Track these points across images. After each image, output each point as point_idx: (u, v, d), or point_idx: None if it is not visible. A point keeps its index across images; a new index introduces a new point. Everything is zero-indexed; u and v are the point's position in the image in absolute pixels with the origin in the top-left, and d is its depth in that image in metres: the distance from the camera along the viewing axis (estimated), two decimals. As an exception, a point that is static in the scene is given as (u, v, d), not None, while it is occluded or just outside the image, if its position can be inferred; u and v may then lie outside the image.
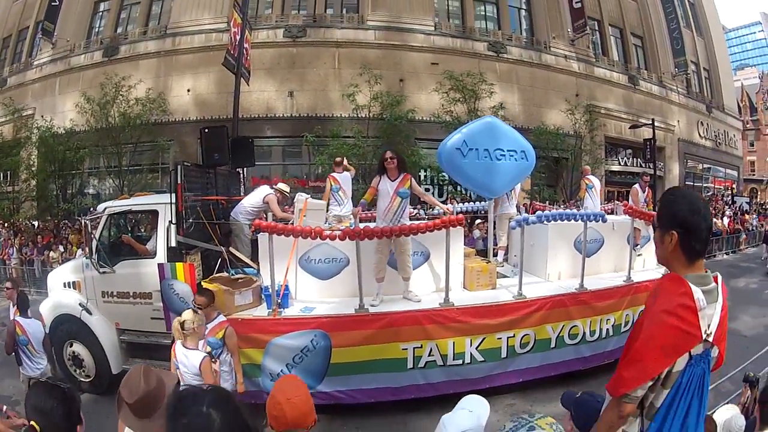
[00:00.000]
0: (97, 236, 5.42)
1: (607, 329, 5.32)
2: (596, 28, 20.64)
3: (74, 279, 5.61)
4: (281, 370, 4.38)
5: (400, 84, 15.71)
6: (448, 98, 15.27)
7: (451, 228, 4.81)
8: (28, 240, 15.36)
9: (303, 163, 15.92)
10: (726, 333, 1.65)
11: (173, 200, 4.95)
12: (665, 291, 1.56)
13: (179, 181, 4.96)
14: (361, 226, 5.03)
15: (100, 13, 18.78)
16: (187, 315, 3.49)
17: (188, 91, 16.09)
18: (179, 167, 5.05)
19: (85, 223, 5.64)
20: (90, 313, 5.33)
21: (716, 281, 1.61)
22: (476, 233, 11.55)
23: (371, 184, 5.03)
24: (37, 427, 1.43)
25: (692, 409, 1.58)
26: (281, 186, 6.24)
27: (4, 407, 3.11)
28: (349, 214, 6.55)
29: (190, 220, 5.22)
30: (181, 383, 3.16)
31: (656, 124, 18.22)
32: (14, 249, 15.10)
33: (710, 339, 1.56)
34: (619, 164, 20.25)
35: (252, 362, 4.43)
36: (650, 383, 1.55)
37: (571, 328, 5.13)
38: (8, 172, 18.21)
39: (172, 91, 16.13)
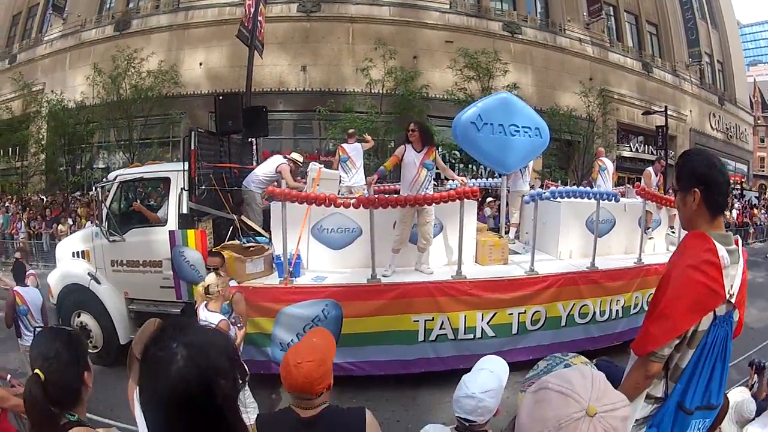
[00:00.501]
0: (107, 204, 5.35)
1: (617, 310, 5.25)
2: (611, 13, 20.52)
3: (83, 248, 5.53)
4: (291, 340, 4.28)
5: (413, 61, 15.62)
6: (462, 76, 15.18)
7: (465, 201, 4.78)
8: (36, 214, 15.32)
9: (314, 138, 15.86)
10: (746, 299, 1.64)
11: (186, 167, 4.84)
12: (691, 247, 1.56)
13: (192, 147, 4.84)
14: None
15: (112, -12, 18.74)
16: (211, 278, 3.48)
17: (200, 64, 16.04)
18: (193, 133, 4.96)
19: (96, 190, 5.58)
20: (99, 283, 5.25)
21: (737, 244, 1.61)
22: (487, 211, 11.41)
23: (395, 152, 4.96)
24: (42, 375, 1.32)
25: (716, 372, 1.58)
26: (294, 156, 6.25)
27: (8, 376, 3.06)
28: (359, 185, 6.54)
29: (203, 187, 5.12)
30: None
31: (669, 112, 18.09)
32: (23, 223, 15.07)
33: (732, 300, 1.55)
34: (631, 150, 20.11)
35: (262, 331, 4.37)
36: (677, 341, 1.54)
37: (582, 306, 5.08)
38: (17, 147, 18.19)
39: (184, 65, 16.08)
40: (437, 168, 5.01)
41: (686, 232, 1.66)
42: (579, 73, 17.98)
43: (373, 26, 15.82)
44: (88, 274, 5.28)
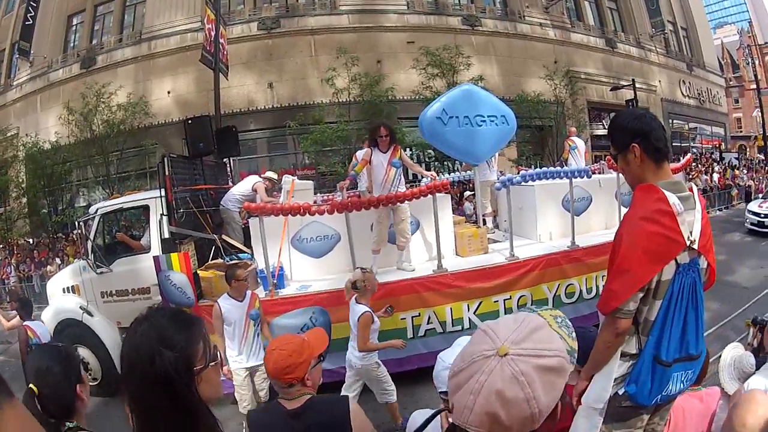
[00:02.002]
0: (91, 237, 5.52)
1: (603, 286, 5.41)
2: (570, -6, 20.96)
3: (73, 283, 5.71)
4: None
5: (377, 65, 15.98)
6: (427, 74, 15.54)
7: (438, 195, 4.91)
8: (24, 257, 15.59)
9: (289, 153, 16.19)
10: (712, 243, 1.64)
11: (163, 192, 5.04)
12: (640, 199, 1.58)
13: (167, 173, 5.04)
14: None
15: (74, 27, 18.99)
16: (357, 274, 3.71)
17: (168, 93, 16.33)
18: (166, 159, 5.13)
19: (79, 224, 5.74)
20: (91, 315, 5.41)
21: (691, 191, 1.63)
22: (468, 206, 11.62)
23: (362, 157, 5.17)
24: (35, 389, 1.37)
25: (689, 320, 1.57)
26: (269, 174, 6.47)
27: None
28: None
29: (181, 211, 5.29)
30: (351, 335, 3.71)
31: (637, 85, 18.52)
32: (12, 267, 15.33)
33: (695, 246, 1.56)
34: (604, 128, 20.50)
35: None
36: (641, 295, 1.55)
37: (567, 286, 5.18)
38: (-3, 194, 18.47)
39: (152, 95, 16.38)
40: (405, 164, 5.15)
41: None
42: (543, 57, 18.38)
43: (334, 36, 16.17)
44: (80, 307, 5.44)
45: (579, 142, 8.67)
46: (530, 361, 0.70)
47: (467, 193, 11.76)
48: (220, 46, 13.66)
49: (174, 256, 4.75)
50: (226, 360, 3.78)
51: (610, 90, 18.74)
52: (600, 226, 6.12)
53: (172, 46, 16.52)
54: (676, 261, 1.54)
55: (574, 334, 0.78)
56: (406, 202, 4.89)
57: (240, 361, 3.80)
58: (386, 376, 3.81)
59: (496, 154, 7.07)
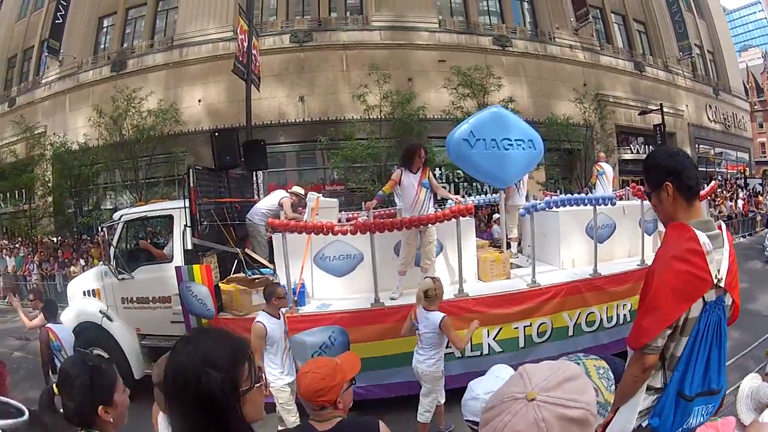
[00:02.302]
0: (114, 243, 5.59)
1: (625, 315, 5.28)
2: (599, 15, 20.86)
3: (94, 287, 5.79)
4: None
5: (408, 83, 15.97)
6: (457, 94, 15.53)
7: (462, 219, 4.87)
8: (48, 255, 15.73)
9: (318, 168, 16.22)
10: (737, 281, 1.69)
11: (187, 204, 5.07)
12: (672, 237, 1.63)
13: (192, 185, 5.06)
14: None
15: (105, 29, 19.14)
16: (429, 284, 3.86)
17: (199, 101, 16.41)
18: (191, 171, 5.15)
19: (102, 230, 5.79)
20: (111, 320, 5.47)
21: (720, 229, 1.68)
22: (495, 229, 11.58)
23: (392, 177, 5.14)
24: (56, 391, 1.42)
25: (713, 357, 1.63)
26: (296, 189, 6.45)
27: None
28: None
29: (205, 223, 5.30)
30: (419, 341, 3.90)
31: (665, 109, 18.39)
32: (34, 265, 15.48)
33: (722, 284, 1.60)
34: (632, 152, 20.43)
35: None
36: (669, 331, 1.60)
37: (588, 314, 5.13)
38: (23, 190, 18.63)
39: (183, 102, 16.46)
40: (432, 186, 5.12)
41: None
42: (572, 80, 18.32)
43: (366, 52, 16.18)
44: (100, 311, 5.49)
45: (607, 168, 8.66)
46: (554, 409, 0.72)
47: (495, 216, 11.76)
48: (253, 58, 13.74)
49: (196, 267, 4.76)
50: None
51: (639, 114, 18.66)
52: (623, 254, 6.09)
53: (203, 54, 16.60)
54: (703, 299, 1.58)
55: (613, 387, 0.80)
56: (432, 224, 4.87)
57: (284, 379, 3.85)
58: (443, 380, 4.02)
59: (526, 178, 6.99)
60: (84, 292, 5.92)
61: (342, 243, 5.08)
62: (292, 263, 4.79)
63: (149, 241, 6.80)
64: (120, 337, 5.44)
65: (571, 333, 5.09)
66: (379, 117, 14.91)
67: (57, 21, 19.56)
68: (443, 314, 3.77)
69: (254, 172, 8.27)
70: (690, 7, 25.39)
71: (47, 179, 17.52)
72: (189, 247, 5.05)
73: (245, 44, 13.62)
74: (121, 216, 5.82)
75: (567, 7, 19.41)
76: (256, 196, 7.59)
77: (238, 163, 6.65)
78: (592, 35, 19.87)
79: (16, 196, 19.31)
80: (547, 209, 5.43)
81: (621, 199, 7.40)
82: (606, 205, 5.59)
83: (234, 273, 5.36)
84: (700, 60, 25.29)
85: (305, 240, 4.99)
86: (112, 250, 5.56)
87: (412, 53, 16.53)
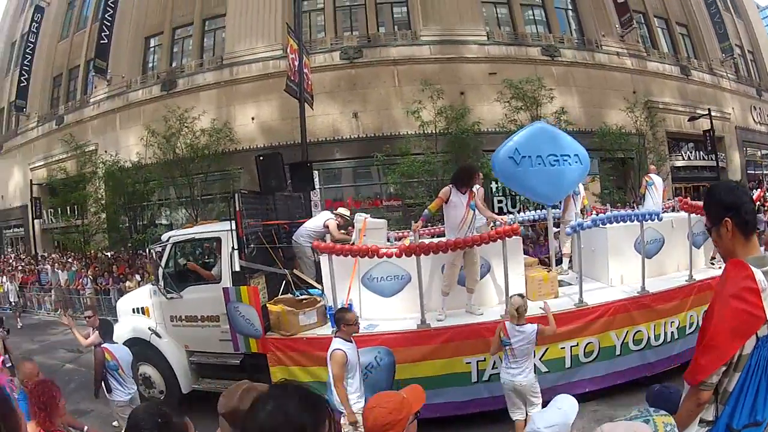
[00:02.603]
0: (163, 264, 5.79)
1: (672, 332, 5.23)
2: (642, 21, 20.55)
3: (143, 305, 6.05)
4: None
5: (461, 97, 15.89)
6: (510, 107, 15.41)
7: (508, 240, 4.90)
8: (102, 270, 15.98)
9: (374, 183, 16.21)
10: None
11: (233, 227, 5.20)
12: (731, 276, 1.69)
13: (238, 209, 5.20)
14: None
15: (152, 48, 19.38)
16: (518, 301, 4.10)
17: (252, 119, 16.52)
18: (237, 195, 5.32)
19: (150, 251, 5.98)
20: (159, 337, 5.71)
21: None
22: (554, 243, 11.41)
23: (439, 194, 5.11)
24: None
25: (761, 391, 1.67)
26: (341, 210, 6.52)
27: (86, 427, 3.35)
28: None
29: (252, 246, 5.44)
30: (511, 356, 4.06)
31: (713, 113, 18.07)
32: (88, 279, 15.72)
33: None
34: (683, 159, 20.08)
35: (318, 379, 4.55)
36: (723, 368, 1.66)
37: (636, 333, 5.09)
38: (75, 206, 18.97)
39: (236, 120, 16.58)
40: (477, 207, 5.14)
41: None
42: (621, 87, 18.07)
43: (416, 66, 16.14)
44: (149, 328, 5.76)
45: (657, 179, 8.59)
46: None
47: (555, 230, 11.66)
48: (305, 76, 13.78)
49: (243, 288, 4.91)
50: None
51: (688, 120, 18.31)
52: (673, 268, 6.03)
53: (254, 72, 16.69)
54: (756, 335, 1.63)
55: None
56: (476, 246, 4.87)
57: (360, 402, 3.86)
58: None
59: (581, 193, 6.88)
60: (133, 310, 6.21)
61: (389, 264, 5.14)
62: (339, 284, 4.94)
63: (197, 261, 6.94)
64: (168, 353, 5.69)
65: (618, 352, 5.05)
66: (434, 132, 14.85)
67: (102, 41, 19.87)
68: (535, 324, 4.03)
69: (305, 193, 8.34)
70: (727, 7, 24.91)
71: (100, 196, 17.81)
72: (237, 269, 5.17)
73: (296, 63, 13.66)
74: (170, 237, 6.04)
75: (611, 14, 19.13)
76: (308, 215, 7.63)
77: (282, 186, 6.75)
78: (637, 41, 19.58)
79: (68, 211, 19.73)
80: (593, 227, 5.40)
81: (671, 210, 7.26)
82: (653, 220, 5.49)
83: (282, 293, 5.52)
84: (742, 60, 24.78)
85: (352, 261, 5.07)
86: (160, 270, 5.73)
87: (462, 66, 16.45)
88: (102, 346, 4.62)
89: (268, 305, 5.09)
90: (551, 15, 18.52)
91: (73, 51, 22.03)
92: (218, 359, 5.50)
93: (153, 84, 18.42)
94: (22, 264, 20.02)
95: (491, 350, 4.22)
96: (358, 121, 15.82)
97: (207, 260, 7.45)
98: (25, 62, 23.80)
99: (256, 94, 16.57)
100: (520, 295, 4.20)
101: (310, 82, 14.68)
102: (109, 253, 17.62)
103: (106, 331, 4.81)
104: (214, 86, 17.18)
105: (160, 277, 5.69)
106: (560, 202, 6.85)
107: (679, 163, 19.34)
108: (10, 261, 21.44)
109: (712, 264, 6.18)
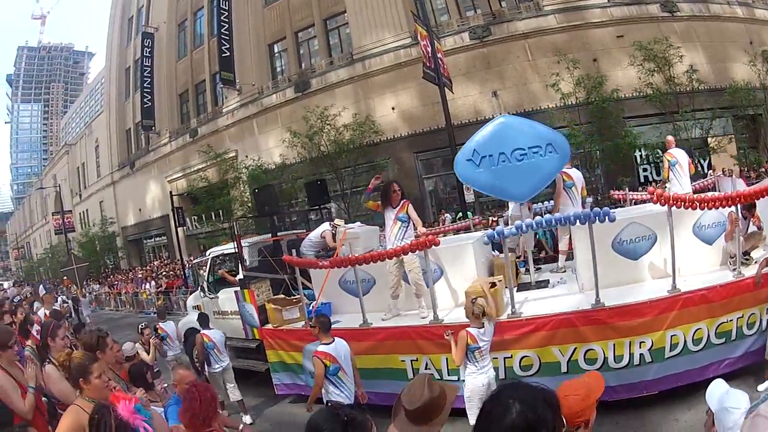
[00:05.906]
0: (205, 273, 7.15)
1: (642, 354, 3.95)
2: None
3: (198, 303, 7.29)
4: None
5: (594, 64, 14.86)
6: (644, 70, 14.35)
7: (460, 246, 5.21)
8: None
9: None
10: None
11: (235, 247, 6.34)
12: None
13: (237, 233, 6.68)
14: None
15: (278, 54, 19.06)
16: (482, 303, 3.81)
17: (393, 108, 16.05)
18: (234, 223, 7.29)
19: (191, 264, 6.25)
20: (208, 327, 6.48)
21: None
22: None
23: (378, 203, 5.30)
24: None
25: None
26: (337, 221, 6.93)
27: (241, 425, 3.64)
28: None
29: (254, 259, 6.59)
30: (480, 358, 3.69)
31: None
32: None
33: None
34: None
35: (296, 362, 5.32)
36: None
37: (587, 351, 4.04)
38: (220, 211, 19.22)
39: (376, 112, 16.16)
40: (411, 218, 4.99)
41: None
42: (739, 39, 16.45)
43: (546, 38, 15.13)
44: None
45: (680, 155, 6.81)
46: None
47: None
48: (440, 61, 13.15)
49: (246, 291, 5.92)
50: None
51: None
52: (670, 271, 4.29)
53: (386, 63, 16.13)
54: None
55: None
56: (414, 253, 4.78)
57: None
58: None
59: (576, 184, 5.77)
60: (192, 307, 7.57)
61: (359, 270, 5.18)
62: (320, 286, 5.60)
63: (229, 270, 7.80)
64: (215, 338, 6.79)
65: (564, 369, 4.07)
66: (575, 103, 14.02)
67: (224, 54, 19.70)
68: (491, 320, 3.84)
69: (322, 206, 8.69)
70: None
71: (245, 199, 17.91)
72: (240, 277, 6.17)
73: (428, 49, 13.00)
74: (210, 253, 7.45)
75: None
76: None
77: (276, 210, 7.63)
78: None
79: (213, 217, 19.99)
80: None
81: (710, 189, 6.21)
82: (581, 223, 4.26)
83: (284, 295, 6.30)
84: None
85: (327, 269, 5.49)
86: (202, 277, 6.96)
87: (589, 33, 15.31)
88: (202, 332, 5.39)
89: (265, 304, 5.82)
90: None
91: (194, 68, 22.02)
92: (242, 343, 6.41)
93: (285, 87, 18.16)
94: (166, 270, 20.36)
95: (456, 360, 3.73)
96: (498, 100, 15.09)
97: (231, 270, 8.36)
98: (145, 85, 24.06)
99: (392, 84, 16.05)
100: (472, 301, 3.84)
101: (445, 66, 14.03)
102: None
103: (203, 321, 5.60)
104: (348, 81, 16.74)
105: (202, 282, 7.10)
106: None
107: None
108: (153, 269, 21.62)
109: (746, 260, 4.47)
